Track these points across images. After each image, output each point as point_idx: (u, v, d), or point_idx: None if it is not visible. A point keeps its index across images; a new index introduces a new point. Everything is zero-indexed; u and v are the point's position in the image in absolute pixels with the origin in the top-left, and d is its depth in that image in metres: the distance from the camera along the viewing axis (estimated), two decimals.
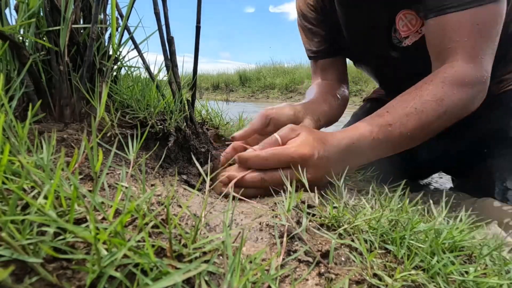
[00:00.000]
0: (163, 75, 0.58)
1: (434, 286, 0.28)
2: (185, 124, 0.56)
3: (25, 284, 0.19)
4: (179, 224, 0.29)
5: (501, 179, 0.72)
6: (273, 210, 0.38)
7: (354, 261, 0.30)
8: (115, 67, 0.54)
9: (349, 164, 0.57)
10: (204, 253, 0.25)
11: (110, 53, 0.51)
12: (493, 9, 0.60)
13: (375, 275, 0.28)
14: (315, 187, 0.43)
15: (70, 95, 0.46)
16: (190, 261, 0.23)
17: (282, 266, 0.27)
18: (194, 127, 0.59)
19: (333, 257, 0.29)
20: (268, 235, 0.31)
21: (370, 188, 0.56)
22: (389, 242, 0.33)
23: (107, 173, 0.37)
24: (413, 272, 0.28)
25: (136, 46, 0.54)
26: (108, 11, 0.51)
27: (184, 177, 0.52)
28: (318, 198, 0.40)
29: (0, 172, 0.22)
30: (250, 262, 0.24)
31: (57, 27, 0.45)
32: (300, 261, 0.28)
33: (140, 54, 0.54)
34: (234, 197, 0.50)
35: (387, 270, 0.29)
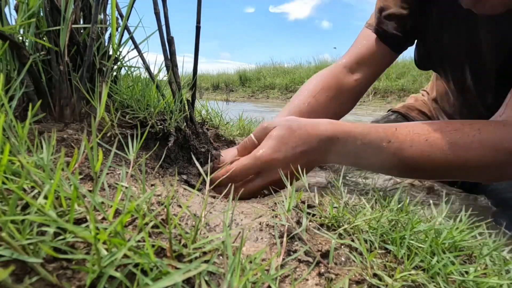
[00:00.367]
0: (163, 75, 0.58)
1: (434, 286, 0.28)
2: (185, 124, 0.56)
3: (25, 284, 0.19)
4: (179, 224, 0.29)
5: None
6: (273, 210, 0.38)
7: (354, 261, 0.30)
8: (115, 67, 0.54)
9: (327, 159, 0.54)
10: (204, 253, 0.25)
11: (110, 53, 0.51)
12: None
13: (375, 275, 0.28)
14: (315, 188, 0.43)
15: (70, 95, 0.46)
16: (190, 261, 0.23)
17: (282, 266, 0.27)
18: (194, 127, 0.59)
19: (333, 257, 0.29)
20: (268, 235, 0.31)
21: (370, 188, 0.56)
22: (389, 242, 0.33)
23: (107, 173, 0.37)
24: (413, 272, 0.28)
25: (136, 46, 0.54)
26: (108, 11, 0.51)
27: (184, 177, 0.52)
28: (318, 198, 0.40)
29: (0, 172, 0.22)
30: (250, 262, 0.24)
31: (57, 27, 0.45)
32: (300, 261, 0.28)
33: (140, 54, 0.54)
34: (234, 197, 0.50)
35: (387, 270, 0.29)
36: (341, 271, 0.28)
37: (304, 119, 0.54)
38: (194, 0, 0.55)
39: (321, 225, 0.35)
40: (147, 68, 0.56)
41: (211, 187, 0.53)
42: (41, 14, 0.44)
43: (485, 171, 0.52)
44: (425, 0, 0.73)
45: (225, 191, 0.52)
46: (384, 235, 0.34)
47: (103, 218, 0.26)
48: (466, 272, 0.31)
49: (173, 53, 0.55)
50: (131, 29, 0.53)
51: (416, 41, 0.83)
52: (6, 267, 0.19)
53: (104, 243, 0.21)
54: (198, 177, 0.54)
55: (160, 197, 0.33)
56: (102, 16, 0.50)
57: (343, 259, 0.30)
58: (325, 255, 0.30)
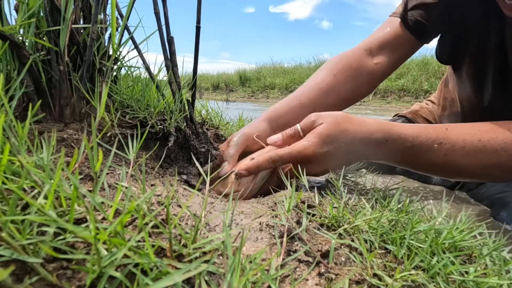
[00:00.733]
0: (163, 75, 0.58)
1: (434, 286, 0.28)
2: (185, 124, 0.56)
3: (25, 284, 0.19)
4: (179, 224, 0.29)
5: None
6: (273, 210, 0.38)
7: (354, 261, 0.30)
8: (115, 67, 0.54)
9: (363, 158, 0.54)
10: (204, 253, 0.25)
11: (110, 53, 0.51)
12: None
13: (375, 275, 0.28)
14: (315, 188, 0.43)
15: (70, 95, 0.46)
16: (190, 261, 0.23)
17: (282, 266, 0.27)
18: (194, 127, 0.59)
19: (333, 257, 0.29)
20: (268, 235, 0.31)
21: (370, 188, 0.56)
22: (389, 242, 0.33)
23: (107, 173, 0.37)
24: (413, 272, 0.28)
25: (136, 46, 0.54)
26: (108, 11, 0.51)
27: (184, 177, 0.52)
28: (318, 198, 0.40)
29: (0, 172, 0.22)
30: (250, 262, 0.24)
31: (57, 27, 0.45)
32: (300, 261, 0.28)
33: (140, 54, 0.54)
34: (234, 197, 0.50)
35: (387, 270, 0.29)
36: (341, 271, 0.28)
37: (352, 117, 0.53)
38: (194, 0, 0.55)
39: (321, 225, 0.35)
40: (147, 68, 0.56)
41: (212, 186, 0.54)
42: (41, 14, 0.44)
43: None
44: None
45: (225, 191, 0.53)
46: (384, 235, 0.34)
47: (103, 218, 0.26)
48: (466, 272, 0.31)
49: (173, 53, 0.55)
50: (131, 29, 0.53)
51: (440, 33, 0.81)
52: (6, 267, 0.19)
53: (104, 243, 0.21)
54: (198, 177, 0.54)
55: (160, 197, 0.33)
56: (102, 16, 0.50)
57: (343, 259, 0.30)
58: (325, 255, 0.30)
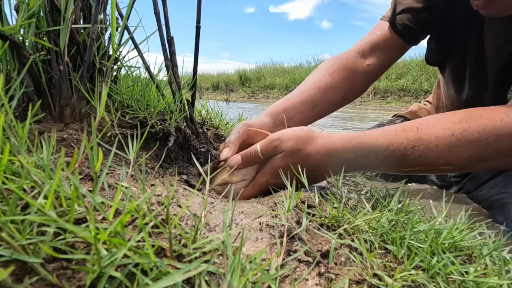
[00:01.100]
0: (163, 75, 0.58)
1: (434, 286, 0.28)
2: (185, 124, 0.56)
3: (25, 284, 0.19)
4: (179, 224, 0.29)
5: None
6: (273, 210, 0.38)
7: (354, 261, 0.30)
8: (115, 67, 0.54)
9: (335, 173, 0.52)
10: (204, 253, 0.25)
11: (110, 53, 0.51)
12: None
13: (375, 275, 0.28)
14: (315, 188, 0.43)
15: (70, 95, 0.46)
16: (190, 261, 0.23)
17: (282, 266, 0.27)
18: (194, 127, 0.59)
19: (333, 257, 0.29)
20: (268, 235, 0.31)
21: (370, 188, 0.57)
22: (389, 242, 0.33)
23: (107, 173, 0.37)
24: (413, 272, 0.28)
25: (136, 46, 0.54)
26: (108, 11, 0.51)
27: (184, 177, 0.52)
28: (318, 198, 0.40)
29: (0, 172, 0.22)
30: (250, 262, 0.24)
31: (57, 27, 0.45)
32: (300, 261, 0.28)
33: (140, 54, 0.54)
34: (234, 197, 0.50)
35: (387, 270, 0.29)
36: (341, 271, 0.28)
37: (316, 138, 0.50)
38: (194, 0, 0.55)
39: (321, 225, 0.35)
40: (147, 68, 0.56)
41: (211, 186, 0.54)
42: (41, 14, 0.44)
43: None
44: None
45: (225, 192, 0.53)
46: (384, 235, 0.34)
47: (103, 218, 0.26)
48: (466, 272, 0.31)
49: (173, 53, 0.55)
50: (131, 29, 0.53)
51: (428, 35, 0.85)
52: (6, 267, 0.19)
53: (104, 243, 0.21)
54: (198, 177, 0.54)
55: (160, 197, 0.33)
56: (102, 16, 0.50)
57: (343, 259, 0.30)
58: (325, 255, 0.30)
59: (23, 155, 0.28)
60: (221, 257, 0.25)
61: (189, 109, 0.58)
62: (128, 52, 0.54)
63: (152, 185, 0.41)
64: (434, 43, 0.84)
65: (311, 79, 0.81)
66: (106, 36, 0.52)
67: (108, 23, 0.52)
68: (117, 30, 0.50)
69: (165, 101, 0.54)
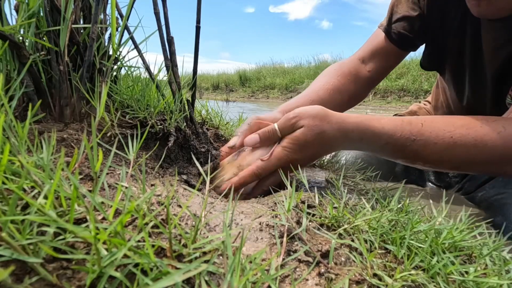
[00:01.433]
0: (163, 75, 0.58)
1: (434, 286, 0.28)
2: (185, 124, 0.56)
3: (25, 284, 0.19)
4: (179, 224, 0.29)
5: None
6: (273, 210, 0.38)
7: (354, 261, 0.30)
8: (115, 67, 0.54)
9: (343, 149, 0.58)
10: (204, 253, 0.25)
11: (110, 53, 0.51)
12: None
13: (375, 275, 0.28)
14: (315, 188, 0.43)
15: (70, 95, 0.46)
16: (190, 261, 0.23)
17: (282, 266, 0.27)
18: (194, 127, 0.59)
19: (333, 257, 0.29)
20: (268, 235, 0.31)
21: (370, 188, 0.57)
22: (389, 242, 0.33)
23: (107, 173, 0.37)
24: (413, 272, 0.28)
25: (136, 46, 0.54)
26: (108, 11, 0.51)
27: (184, 177, 0.52)
28: (318, 198, 0.40)
29: (0, 172, 0.22)
30: (250, 262, 0.24)
31: (57, 27, 0.45)
32: (300, 261, 0.28)
33: (140, 54, 0.54)
34: (234, 197, 0.50)
35: (387, 270, 0.29)
36: (341, 271, 0.28)
37: (331, 116, 0.55)
38: (194, 0, 0.55)
39: (321, 225, 0.35)
40: (147, 68, 0.56)
41: (211, 186, 0.54)
42: (41, 14, 0.44)
43: (507, 166, 0.54)
44: (435, 4, 0.78)
45: (225, 191, 0.53)
46: (384, 235, 0.34)
47: (103, 218, 0.26)
48: (466, 272, 0.31)
49: (173, 53, 0.55)
50: (131, 29, 0.53)
51: (424, 42, 0.88)
52: (6, 267, 0.19)
53: (104, 243, 0.21)
54: (198, 177, 0.54)
55: (160, 197, 0.33)
56: (102, 16, 0.50)
57: (343, 259, 0.30)
58: (325, 255, 0.30)
59: (23, 155, 0.28)
60: (221, 257, 0.25)
61: (189, 109, 0.58)
62: (128, 52, 0.54)
63: (152, 185, 0.41)
64: (430, 49, 0.87)
65: (318, 82, 0.84)
66: (106, 36, 0.52)
67: (108, 23, 0.52)
68: (117, 30, 0.50)
69: (165, 101, 0.54)
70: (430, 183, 1.01)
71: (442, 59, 0.85)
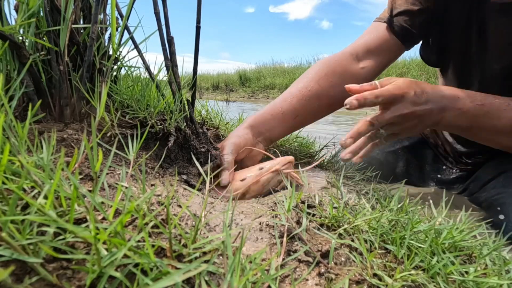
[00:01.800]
0: (163, 75, 0.58)
1: (434, 286, 0.28)
2: (185, 124, 0.56)
3: (25, 284, 0.19)
4: (179, 224, 0.29)
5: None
6: (273, 210, 0.38)
7: (354, 261, 0.30)
8: (115, 67, 0.54)
9: (443, 118, 0.61)
10: (204, 253, 0.25)
11: (110, 53, 0.51)
12: None
13: (375, 275, 0.28)
14: (315, 188, 0.43)
15: (70, 95, 0.46)
16: (190, 261, 0.23)
17: (282, 266, 0.27)
18: (194, 127, 0.59)
19: (333, 257, 0.29)
20: (268, 235, 0.31)
21: (370, 188, 0.57)
22: (389, 242, 0.33)
23: (107, 173, 0.37)
24: (413, 272, 0.28)
25: (136, 46, 0.54)
26: (108, 11, 0.51)
27: (184, 177, 0.52)
28: (318, 198, 0.40)
29: (0, 172, 0.22)
30: (250, 262, 0.24)
31: (57, 27, 0.45)
32: (300, 261, 0.28)
33: (140, 54, 0.54)
34: (234, 197, 0.50)
35: (387, 270, 0.29)
36: (341, 271, 0.28)
37: (424, 84, 0.61)
38: (194, 0, 0.55)
39: (321, 225, 0.35)
40: (147, 68, 0.56)
41: (214, 184, 0.54)
42: (41, 14, 0.44)
43: None
44: None
45: (225, 190, 0.53)
46: (384, 235, 0.34)
47: (103, 218, 0.26)
48: (466, 272, 0.31)
49: (173, 53, 0.55)
50: (131, 29, 0.53)
51: (424, 39, 0.86)
52: (6, 267, 0.19)
53: (104, 243, 0.21)
54: (198, 177, 0.54)
55: (160, 197, 0.33)
56: (102, 16, 0.50)
57: (343, 259, 0.30)
58: (325, 255, 0.30)
59: (23, 155, 0.28)
60: (221, 257, 0.25)
61: (189, 109, 0.58)
62: (128, 52, 0.54)
63: (152, 185, 0.41)
64: (433, 44, 0.85)
65: (296, 85, 0.79)
66: (106, 36, 0.52)
67: (108, 23, 0.52)
68: (117, 30, 0.50)
69: (165, 101, 0.54)
70: (431, 184, 1.00)
71: (445, 56, 0.83)
